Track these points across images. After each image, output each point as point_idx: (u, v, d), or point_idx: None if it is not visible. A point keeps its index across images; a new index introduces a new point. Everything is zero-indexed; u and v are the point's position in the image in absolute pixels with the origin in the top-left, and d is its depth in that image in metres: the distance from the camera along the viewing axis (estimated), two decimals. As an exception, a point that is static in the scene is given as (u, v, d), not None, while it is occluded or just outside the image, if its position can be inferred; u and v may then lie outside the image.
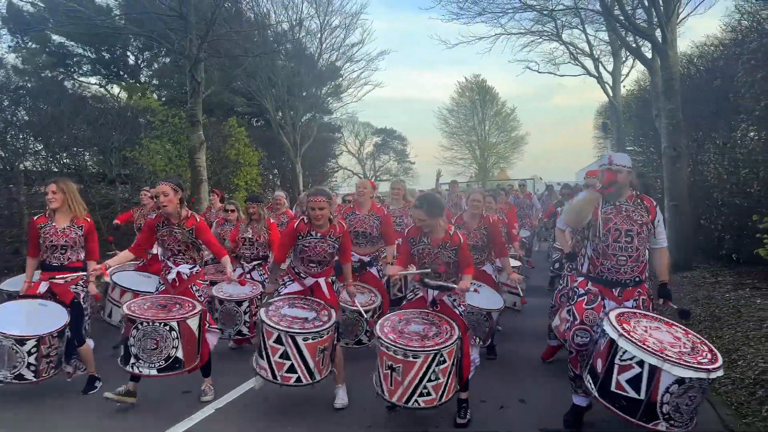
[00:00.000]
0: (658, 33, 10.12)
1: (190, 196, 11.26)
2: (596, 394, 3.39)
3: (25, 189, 10.05)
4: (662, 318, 3.62)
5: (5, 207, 9.77)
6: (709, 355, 3.22)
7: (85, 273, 4.92)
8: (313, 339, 4.17)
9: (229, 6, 14.31)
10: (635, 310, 3.67)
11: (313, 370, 4.19)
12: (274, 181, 19.52)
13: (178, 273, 4.81)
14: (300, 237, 4.63)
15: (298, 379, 4.16)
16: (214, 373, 4.93)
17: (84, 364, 5.02)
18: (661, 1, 9.78)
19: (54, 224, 4.85)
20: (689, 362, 3.10)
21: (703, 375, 3.05)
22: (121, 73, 24.27)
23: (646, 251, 3.86)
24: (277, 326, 4.15)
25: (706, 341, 3.42)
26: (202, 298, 4.82)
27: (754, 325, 5.72)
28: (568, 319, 3.97)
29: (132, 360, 4.25)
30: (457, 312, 4.27)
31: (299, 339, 4.12)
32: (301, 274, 4.76)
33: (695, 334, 3.49)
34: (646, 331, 3.39)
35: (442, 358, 3.81)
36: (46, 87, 11.64)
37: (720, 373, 3.11)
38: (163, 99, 20.13)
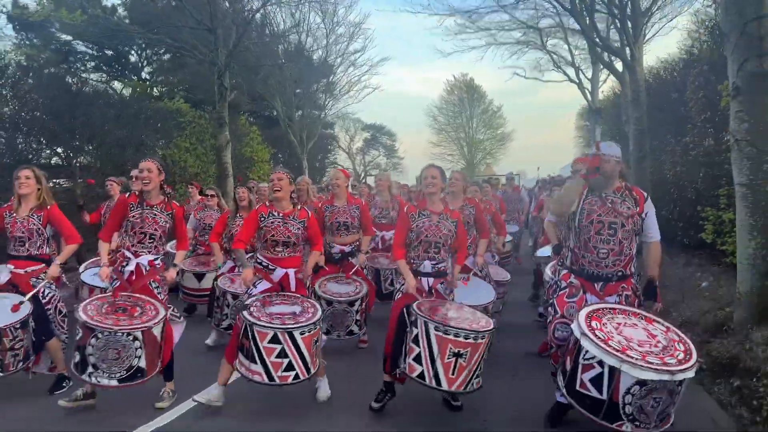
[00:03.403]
0: (628, 51, 11.87)
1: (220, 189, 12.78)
2: (564, 392, 3.37)
3: (80, 182, 11.53)
4: (644, 314, 3.53)
5: (65, 199, 11.25)
6: (681, 356, 3.11)
7: (45, 266, 4.76)
8: (309, 332, 4.09)
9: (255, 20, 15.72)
10: (616, 306, 3.57)
11: (309, 364, 4.12)
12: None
13: (137, 265, 4.48)
14: (262, 218, 4.53)
15: (296, 376, 4.06)
16: (195, 370, 4.89)
17: (53, 361, 4.82)
18: (630, 25, 11.51)
19: (14, 215, 4.70)
20: (652, 363, 3.00)
21: (666, 377, 2.95)
22: (123, 69, 25.58)
23: (632, 245, 3.73)
24: (271, 325, 4.01)
25: (686, 340, 3.32)
26: (162, 296, 4.55)
27: (689, 290, 7.46)
28: (550, 312, 3.95)
29: (90, 369, 3.97)
30: (447, 300, 4.39)
31: (296, 334, 4.01)
32: (269, 266, 4.58)
33: (677, 331, 3.39)
34: (617, 329, 3.30)
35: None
36: (87, 91, 13.01)
37: (689, 374, 3.01)
38: (171, 95, 21.55)
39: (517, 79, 22.35)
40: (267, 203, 4.68)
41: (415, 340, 3.83)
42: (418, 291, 4.27)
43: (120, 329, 3.95)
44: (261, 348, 3.98)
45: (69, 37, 22.57)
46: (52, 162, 11.64)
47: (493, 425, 4.06)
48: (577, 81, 18.19)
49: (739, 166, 5.34)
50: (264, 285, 4.53)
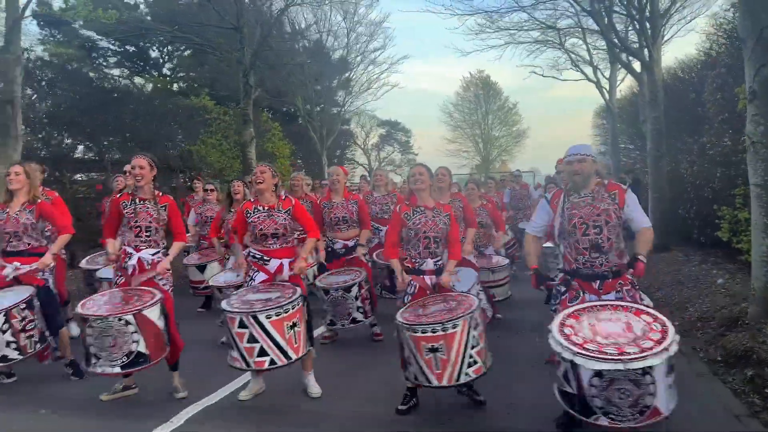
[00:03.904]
0: (646, 52, 12.04)
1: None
2: (556, 392, 3.36)
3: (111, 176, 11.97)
4: (637, 307, 3.45)
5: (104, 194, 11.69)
6: (650, 344, 3.06)
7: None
8: (276, 315, 4.00)
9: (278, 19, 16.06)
10: (608, 303, 3.53)
11: (286, 349, 4.04)
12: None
13: (139, 260, 4.55)
14: (248, 214, 4.63)
15: (272, 362, 4.02)
16: (203, 371, 4.96)
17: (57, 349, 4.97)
18: (648, 26, 11.68)
19: (8, 211, 4.80)
20: (606, 354, 3.01)
21: (618, 366, 2.94)
22: (145, 65, 26.08)
23: (621, 239, 3.74)
24: (236, 309, 4.04)
25: (668, 328, 3.19)
26: (169, 288, 4.62)
27: (705, 287, 7.68)
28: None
29: (93, 360, 4.07)
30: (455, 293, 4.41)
31: (261, 317, 3.96)
32: (264, 258, 4.64)
33: (664, 320, 3.27)
34: (592, 325, 3.31)
35: (476, 322, 3.83)
36: (118, 89, 13.44)
37: (648, 362, 2.95)
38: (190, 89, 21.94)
39: (532, 75, 22.45)
40: (252, 198, 4.81)
41: (401, 346, 3.94)
42: (423, 290, 4.34)
43: (110, 314, 4.01)
44: (234, 334, 4.03)
45: (92, 34, 23.22)
46: (86, 157, 12.04)
47: (513, 422, 4.04)
48: (595, 80, 18.32)
49: (754, 168, 5.56)
50: (261, 276, 4.63)
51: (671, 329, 3.15)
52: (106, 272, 6.27)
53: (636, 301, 3.64)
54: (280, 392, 4.66)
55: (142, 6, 21.88)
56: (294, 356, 4.12)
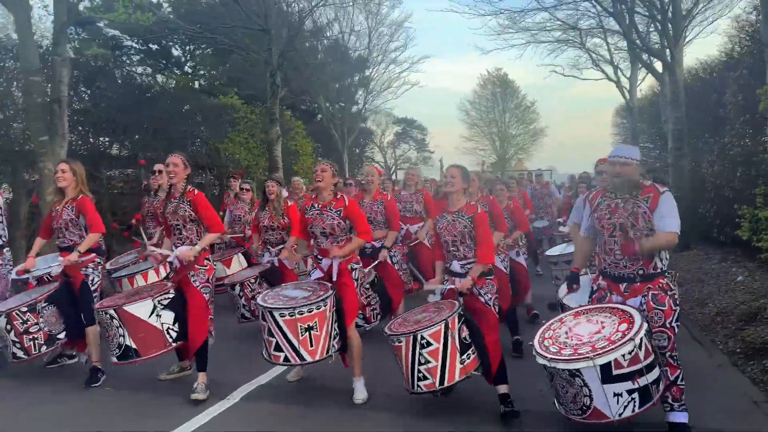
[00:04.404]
0: (668, 52, 12.20)
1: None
2: None
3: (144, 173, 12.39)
4: (623, 308, 3.56)
5: (128, 190, 12.12)
6: (604, 344, 3.22)
7: (96, 255, 4.98)
8: (290, 315, 4.05)
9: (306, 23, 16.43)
10: (607, 306, 3.65)
11: (300, 350, 4.08)
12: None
13: (178, 257, 4.62)
14: (306, 211, 4.73)
15: (286, 359, 4.12)
16: (229, 364, 5.05)
17: (88, 352, 4.98)
18: (670, 27, 11.84)
19: (57, 208, 4.97)
20: (549, 352, 3.37)
21: (545, 362, 3.33)
22: (167, 63, 26.59)
23: None
24: (260, 303, 4.21)
25: (626, 339, 3.22)
26: (198, 285, 4.58)
27: (725, 284, 7.89)
28: None
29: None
30: (482, 301, 4.18)
31: (276, 315, 4.08)
32: (318, 257, 4.73)
33: (638, 324, 3.31)
34: (572, 327, 3.57)
35: (425, 341, 3.82)
36: (156, 90, 13.88)
37: (574, 365, 3.17)
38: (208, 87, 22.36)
39: (552, 74, 22.55)
40: (312, 195, 4.87)
41: (270, 332, 4.17)
42: (452, 292, 4.22)
43: (98, 308, 4.35)
44: (261, 325, 4.24)
45: (116, 32, 23.74)
46: (120, 154, 12.49)
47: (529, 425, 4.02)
48: (616, 79, 18.45)
49: (774, 168, 5.78)
50: (317, 273, 4.68)
51: (622, 344, 3.18)
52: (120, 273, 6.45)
53: (662, 305, 3.55)
54: (329, 373, 4.91)
55: (165, 5, 22.43)
56: (309, 358, 4.15)
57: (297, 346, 4.07)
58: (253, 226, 6.75)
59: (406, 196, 7.29)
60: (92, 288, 4.91)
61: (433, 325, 3.84)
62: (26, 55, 8.23)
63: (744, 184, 9.06)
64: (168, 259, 4.67)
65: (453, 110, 75.93)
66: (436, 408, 4.31)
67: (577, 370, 3.16)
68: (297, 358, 4.13)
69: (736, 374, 4.94)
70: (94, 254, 4.95)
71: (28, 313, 4.63)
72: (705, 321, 6.55)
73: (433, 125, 73.47)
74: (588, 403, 3.21)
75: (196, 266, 4.60)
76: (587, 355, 3.16)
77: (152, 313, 4.34)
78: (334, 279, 4.55)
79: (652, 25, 12.98)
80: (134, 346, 4.25)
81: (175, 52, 26.27)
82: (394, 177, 18.74)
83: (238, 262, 7.39)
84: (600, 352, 3.16)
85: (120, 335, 4.24)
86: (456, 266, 4.33)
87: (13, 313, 4.59)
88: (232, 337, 6.18)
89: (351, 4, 17.01)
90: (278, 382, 4.94)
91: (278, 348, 4.10)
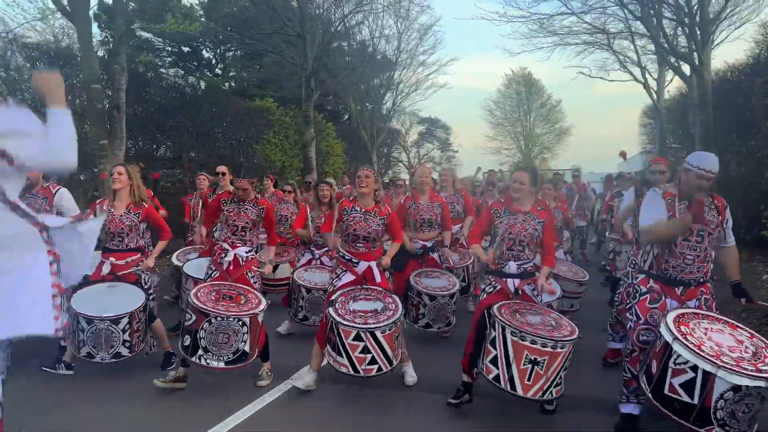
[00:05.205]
0: (695, 56, 12.42)
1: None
2: (650, 395, 3.35)
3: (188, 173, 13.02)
4: (726, 319, 3.50)
5: (174, 190, 12.75)
6: None
7: (141, 255, 5.07)
8: (389, 330, 4.29)
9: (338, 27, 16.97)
10: (697, 311, 3.58)
11: (391, 357, 4.32)
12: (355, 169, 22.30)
13: (235, 256, 4.85)
14: (345, 212, 4.76)
15: (379, 369, 4.28)
16: (259, 365, 4.95)
17: (158, 341, 5.18)
18: (698, 31, 12.07)
19: (113, 211, 4.92)
20: (746, 369, 3.00)
21: (762, 384, 2.97)
22: (198, 65, 27.28)
23: (713, 252, 3.77)
24: (354, 324, 4.24)
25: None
26: (257, 286, 4.91)
27: (751, 282, 8.18)
28: (630, 318, 3.92)
29: (200, 352, 4.29)
30: (537, 302, 4.29)
31: (378, 333, 4.23)
32: (353, 260, 4.79)
33: (761, 338, 3.36)
34: (705, 334, 3.31)
35: (573, 347, 3.86)
36: (198, 93, 14.50)
37: None
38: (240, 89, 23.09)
39: (576, 72, 22.64)
40: (351, 198, 4.94)
41: (493, 343, 3.90)
42: (504, 293, 4.25)
43: (232, 315, 4.32)
44: (346, 344, 4.23)
45: (149, 36, 24.47)
46: (166, 155, 13.14)
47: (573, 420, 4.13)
48: (643, 81, 18.60)
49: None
50: (348, 277, 4.74)
51: None
52: (190, 268, 6.43)
53: (712, 311, 3.65)
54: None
55: (197, 8, 23.08)
56: (395, 362, 4.40)
57: (390, 355, 4.31)
58: (297, 225, 6.59)
59: (446, 197, 7.04)
60: (146, 285, 5.04)
61: (576, 333, 3.86)
62: (88, 64, 8.84)
63: (769, 185, 9.32)
64: (225, 258, 4.87)
65: (477, 109, 75.95)
66: (459, 413, 4.29)
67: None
68: (388, 366, 4.31)
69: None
70: (139, 254, 5.06)
71: (142, 312, 4.85)
72: (731, 317, 6.86)
73: (455, 124, 73.50)
74: (758, 414, 3.12)
75: (254, 267, 4.94)
76: None
77: (264, 317, 4.62)
78: (378, 281, 4.73)
79: (680, 29, 13.19)
80: (248, 349, 4.43)
81: (206, 54, 27.16)
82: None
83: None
84: None
85: (243, 341, 4.38)
86: (512, 267, 4.30)
87: (135, 313, 4.76)
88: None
89: (381, 11, 17.43)
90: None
91: (373, 362, 4.25)
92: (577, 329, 3.94)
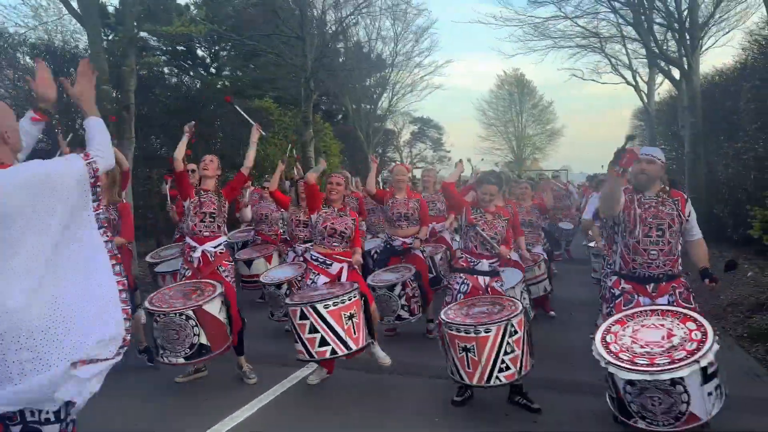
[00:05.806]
0: (685, 61, 12.81)
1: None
2: (607, 396, 3.46)
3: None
4: (685, 313, 3.45)
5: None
6: (683, 354, 3.08)
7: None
8: (334, 305, 4.18)
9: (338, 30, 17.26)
10: (654, 307, 3.58)
11: (345, 339, 4.20)
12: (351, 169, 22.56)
13: (203, 252, 4.81)
14: (322, 206, 4.93)
15: (333, 351, 4.20)
16: (268, 359, 5.11)
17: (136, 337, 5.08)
18: (687, 36, 12.47)
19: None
20: (637, 364, 3.09)
21: (647, 377, 3.02)
22: (193, 64, 27.35)
23: (678, 245, 3.76)
24: (297, 302, 4.25)
25: (709, 337, 3.16)
26: (230, 279, 4.88)
27: (737, 279, 8.57)
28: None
29: (160, 351, 4.36)
30: (505, 295, 4.50)
31: (320, 307, 4.15)
32: (327, 261, 4.88)
33: (707, 330, 3.24)
34: (634, 333, 3.39)
35: (513, 329, 3.86)
36: (202, 93, 14.73)
37: (677, 374, 2.98)
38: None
39: (567, 73, 23.03)
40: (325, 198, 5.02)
41: (441, 340, 4.13)
42: (476, 289, 4.46)
43: (171, 311, 4.25)
44: (296, 326, 4.24)
45: (143, 34, 24.59)
46: (167, 155, 13.36)
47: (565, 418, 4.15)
48: (634, 84, 19.05)
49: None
50: (323, 279, 4.83)
51: (710, 339, 3.15)
52: (165, 267, 6.56)
53: (689, 303, 3.67)
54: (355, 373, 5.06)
55: (192, 7, 23.18)
56: (354, 347, 4.27)
57: (343, 336, 4.20)
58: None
59: (428, 196, 7.22)
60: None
61: (517, 313, 3.92)
62: (98, 65, 9.05)
63: (756, 186, 9.70)
64: (194, 255, 4.83)
65: (470, 109, 76.47)
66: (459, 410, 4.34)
67: (680, 377, 3.01)
68: (343, 348, 4.22)
69: (742, 354, 5.66)
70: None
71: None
72: (717, 311, 7.25)
73: (448, 124, 73.87)
74: (684, 409, 3.06)
75: (224, 262, 4.91)
76: (693, 359, 3.02)
77: (220, 309, 4.53)
78: (344, 279, 4.82)
79: (670, 34, 13.59)
80: (207, 342, 4.35)
81: (200, 53, 27.24)
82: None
83: (276, 258, 7.53)
84: (701, 353, 3.05)
85: (195, 334, 4.30)
86: (485, 265, 4.54)
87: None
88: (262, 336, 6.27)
89: (379, 13, 17.73)
90: (302, 387, 4.87)
91: (323, 342, 4.18)
92: (518, 308, 4.00)
